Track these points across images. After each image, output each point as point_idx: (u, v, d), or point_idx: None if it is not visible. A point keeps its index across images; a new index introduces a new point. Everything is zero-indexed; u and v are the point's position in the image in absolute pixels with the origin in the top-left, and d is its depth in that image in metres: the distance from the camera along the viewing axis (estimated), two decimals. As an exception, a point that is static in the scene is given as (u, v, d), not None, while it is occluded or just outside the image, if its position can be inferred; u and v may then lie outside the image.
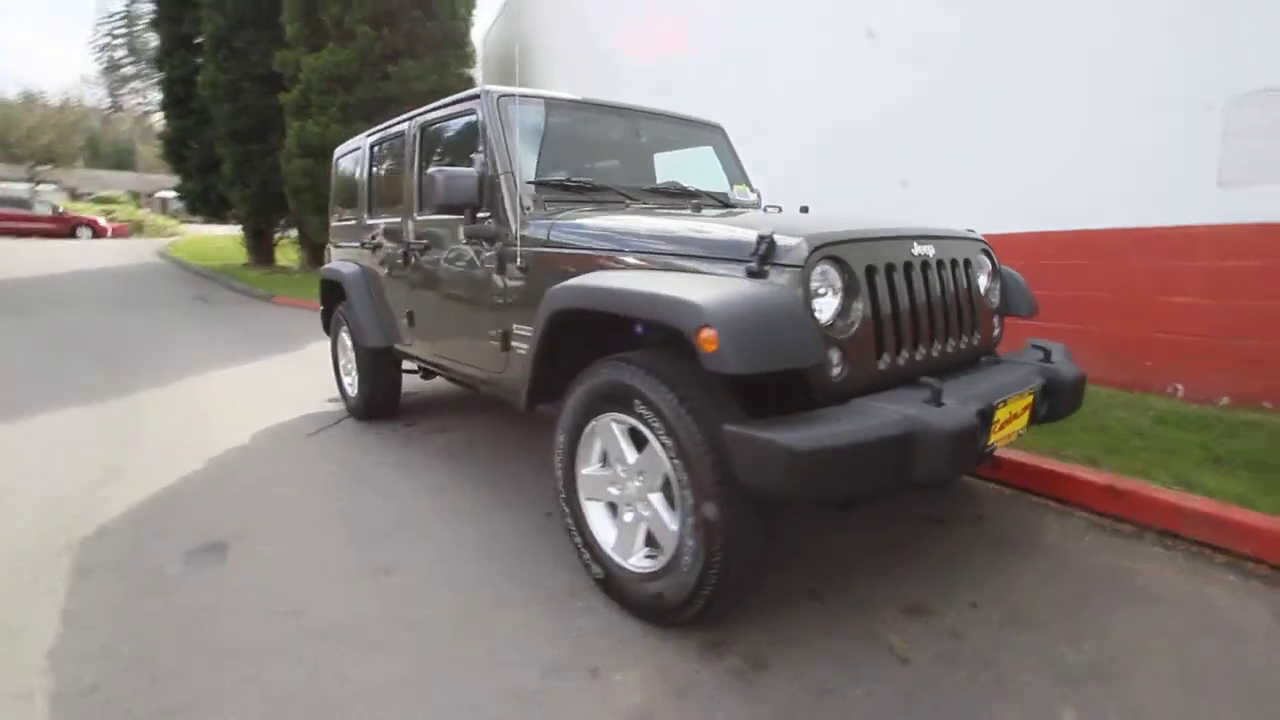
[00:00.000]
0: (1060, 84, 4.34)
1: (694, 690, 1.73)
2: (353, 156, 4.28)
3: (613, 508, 2.16)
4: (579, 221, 2.44)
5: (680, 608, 1.86)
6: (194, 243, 21.59)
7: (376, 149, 3.86)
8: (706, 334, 1.62)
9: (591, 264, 2.29)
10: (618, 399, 1.95)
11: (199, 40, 15.25)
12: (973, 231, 2.55)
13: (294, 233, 15.44)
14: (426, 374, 4.13)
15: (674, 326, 1.71)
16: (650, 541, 2.01)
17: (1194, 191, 3.81)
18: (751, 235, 1.87)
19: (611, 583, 2.08)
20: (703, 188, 3.17)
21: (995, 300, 2.55)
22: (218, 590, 2.24)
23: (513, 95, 2.82)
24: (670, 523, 1.88)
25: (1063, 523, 2.69)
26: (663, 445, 1.82)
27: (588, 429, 2.12)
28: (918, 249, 2.12)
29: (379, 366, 4.07)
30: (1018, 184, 4.56)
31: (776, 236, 1.83)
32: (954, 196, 4.79)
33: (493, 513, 2.85)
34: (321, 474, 3.33)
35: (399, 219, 3.53)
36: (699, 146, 3.62)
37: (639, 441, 1.98)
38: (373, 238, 3.86)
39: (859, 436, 1.58)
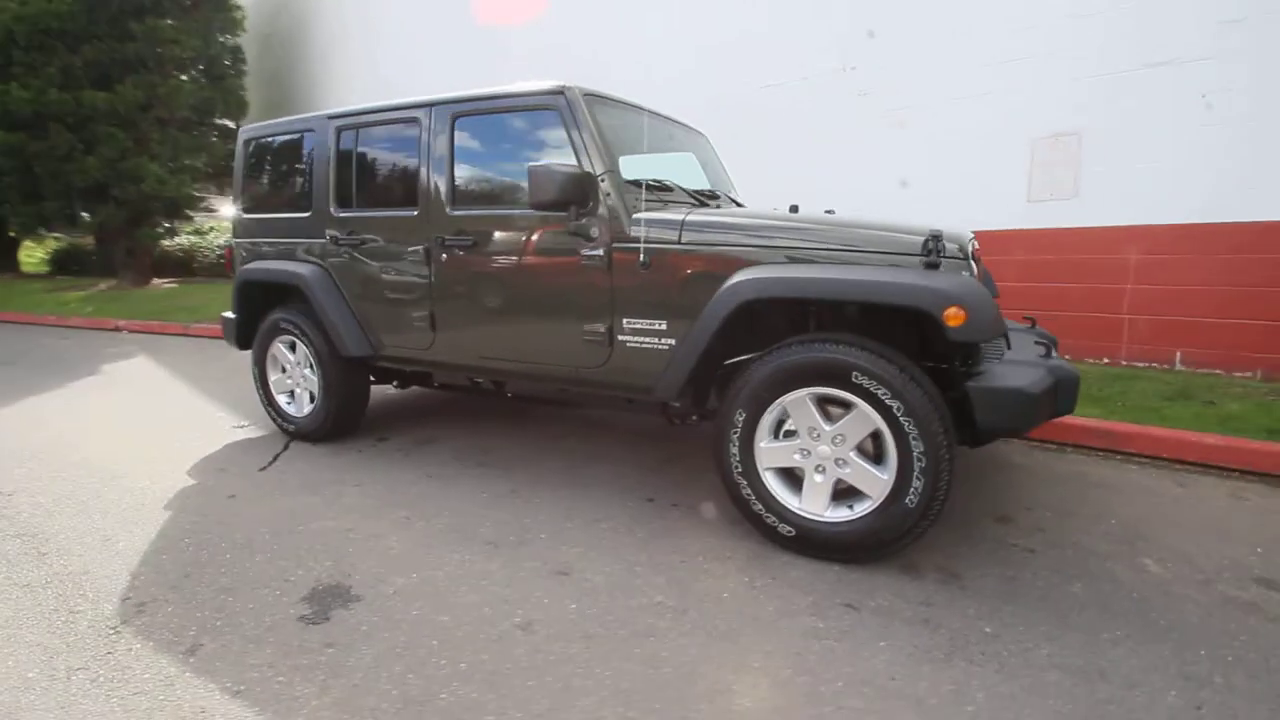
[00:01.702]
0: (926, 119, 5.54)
1: (934, 600, 2.13)
2: (292, 141, 3.73)
3: (786, 473, 2.45)
4: (713, 220, 2.64)
5: (896, 540, 2.24)
6: None
7: (357, 134, 3.45)
8: (953, 311, 2.04)
9: (736, 261, 2.52)
10: (829, 374, 2.26)
11: None
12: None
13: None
14: (403, 383, 3.83)
15: (918, 308, 2.09)
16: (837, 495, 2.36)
17: (1011, 205, 5.22)
18: (919, 235, 2.32)
19: (805, 537, 2.37)
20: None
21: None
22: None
23: (596, 95, 2.87)
24: (880, 473, 2.25)
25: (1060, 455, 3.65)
26: (885, 407, 2.18)
27: (774, 404, 2.38)
28: (976, 242, 2.77)
29: (352, 378, 3.66)
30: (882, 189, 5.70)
31: (944, 236, 2.31)
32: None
33: (610, 508, 2.89)
34: (359, 504, 2.97)
35: (410, 213, 3.25)
36: (687, 150, 3.93)
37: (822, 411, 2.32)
38: (350, 234, 3.45)
39: (1051, 381, 2.14)
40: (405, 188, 3.31)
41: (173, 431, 4.07)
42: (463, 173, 3.13)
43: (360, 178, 3.47)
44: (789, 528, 2.40)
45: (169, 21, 10.27)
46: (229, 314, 4.15)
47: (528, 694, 1.71)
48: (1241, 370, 4.60)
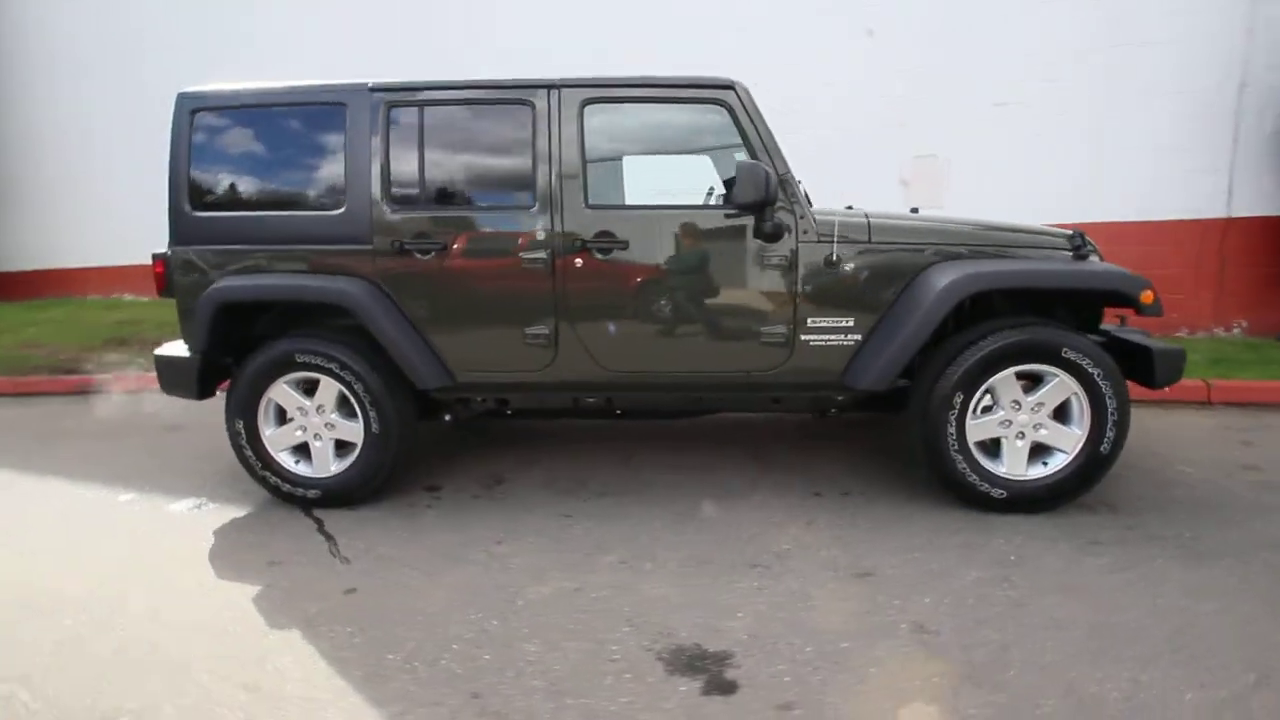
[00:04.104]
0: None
1: (1116, 536, 2.65)
2: (298, 116, 2.84)
3: (984, 445, 2.76)
4: (896, 223, 2.82)
5: (1093, 483, 2.71)
6: None
7: (422, 113, 2.76)
8: (1147, 294, 2.56)
9: (919, 259, 2.75)
10: (1039, 352, 2.61)
11: None
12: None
13: None
14: (462, 416, 3.22)
15: (1124, 292, 2.57)
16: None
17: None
18: (1064, 233, 2.82)
19: (1015, 497, 2.71)
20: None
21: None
22: None
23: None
24: (1076, 428, 2.69)
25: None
26: (1086, 375, 2.61)
27: (986, 384, 2.66)
28: None
29: (410, 417, 2.97)
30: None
31: (1083, 232, 2.84)
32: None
33: (804, 509, 2.89)
34: (545, 560, 2.49)
35: (523, 213, 2.75)
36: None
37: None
38: (420, 238, 2.78)
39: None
40: (510, 183, 2.79)
41: (102, 536, 2.80)
42: (597, 167, 2.78)
43: (430, 169, 2.80)
44: (1001, 491, 2.71)
45: None
46: (174, 351, 2.99)
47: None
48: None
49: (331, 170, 2.84)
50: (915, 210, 3.28)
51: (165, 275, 2.97)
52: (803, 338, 2.79)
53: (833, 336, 2.79)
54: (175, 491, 3.23)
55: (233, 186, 2.92)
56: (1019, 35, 5.72)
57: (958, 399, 2.67)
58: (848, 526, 2.69)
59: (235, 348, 2.97)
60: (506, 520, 2.82)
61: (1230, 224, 5.29)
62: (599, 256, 2.76)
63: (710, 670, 1.83)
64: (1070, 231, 2.84)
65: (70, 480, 3.43)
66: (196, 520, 2.92)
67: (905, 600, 2.16)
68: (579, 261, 2.77)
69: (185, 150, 2.88)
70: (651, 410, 3.22)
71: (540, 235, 2.76)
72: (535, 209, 2.76)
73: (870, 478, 3.17)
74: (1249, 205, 5.25)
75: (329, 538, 2.71)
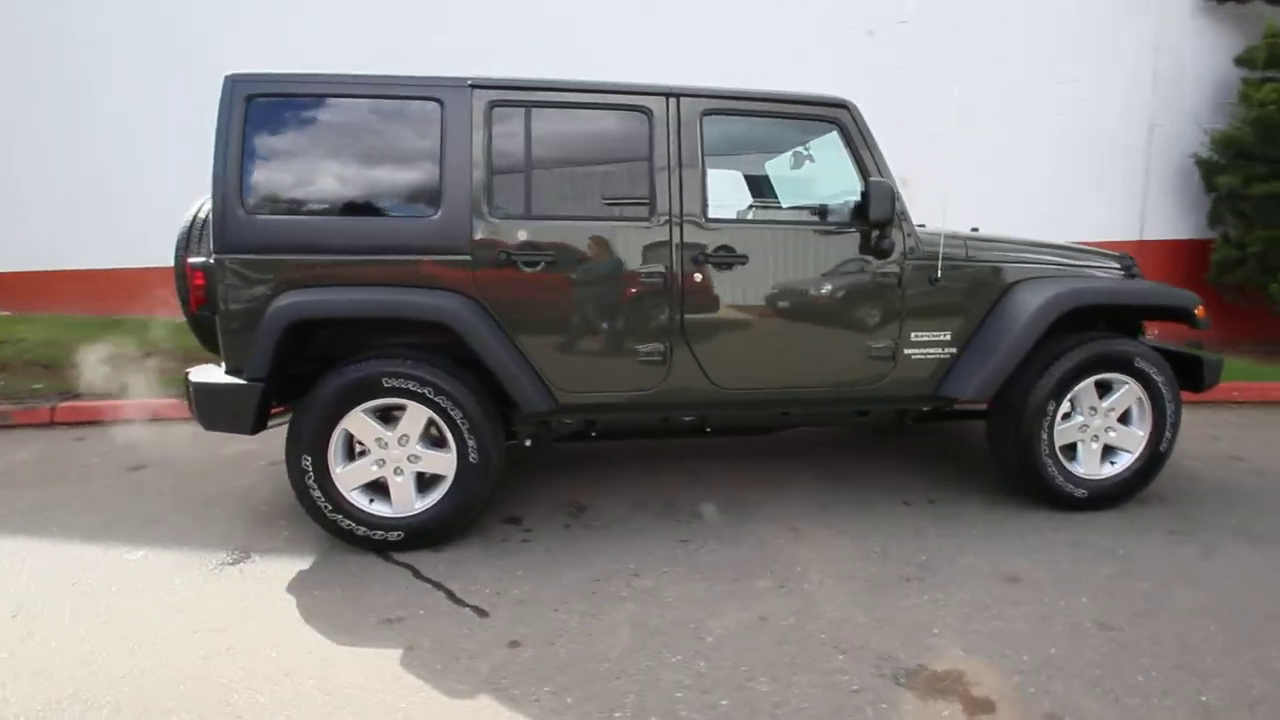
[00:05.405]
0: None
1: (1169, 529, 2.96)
2: (379, 110, 2.52)
3: (1062, 449, 2.97)
4: (987, 240, 3.01)
5: (1151, 480, 3.00)
6: None
7: (528, 115, 2.53)
8: (1200, 309, 2.89)
9: (1007, 277, 2.94)
10: (1115, 362, 2.86)
11: None
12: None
13: None
14: (543, 440, 3.01)
15: (1182, 307, 2.87)
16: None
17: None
18: (1115, 254, 3.13)
19: (1093, 496, 2.94)
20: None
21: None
22: None
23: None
24: (1138, 430, 2.97)
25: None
26: (1152, 382, 2.89)
27: (1072, 391, 2.88)
28: None
29: (501, 444, 2.72)
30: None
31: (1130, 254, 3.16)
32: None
33: (901, 520, 2.97)
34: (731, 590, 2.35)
35: (640, 225, 2.61)
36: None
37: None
38: (526, 248, 2.55)
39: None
40: (624, 192, 2.64)
41: (140, 605, 2.30)
42: (717, 178, 2.70)
43: (537, 175, 2.59)
44: (1083, 491, 2.94)
45: None
46: (216, 378, 2.52)
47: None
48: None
49: (423, 172, 2.54)
50: (975, 229, 3.49)
51: (207, 288, 2.51)
52: (905, 351, 2.87)
53: (932, 350, 2.90)
54: (195, 544, 2.73)
55: (300, 186, 2.52)
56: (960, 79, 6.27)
57: (1050, 407, 2.86)
58: (959, 534, 2.79)
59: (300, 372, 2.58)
60: (625, 550, 2.64)
61: (1143, 245, 6.12)
62: (718, 271, 2.68)
63: (957, 691, 1.82)
64: (1119, 253, 3.16)
65: (53, 538, 2.78)
66: (248, 577, 2.48)
67: (1068, 601, 2.27)
68: (698, 276, 2.67)
69: (238, 143, 2.45)
70: (742, 427, 3.17)
71: (659, 248, 2.64)
72: (653, 221, 2.63)
73: (941, 484, 3.31)
74: (1159, 230, 6.13)
75: (436, 585, 2.39)
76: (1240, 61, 5.74)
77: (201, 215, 2.87)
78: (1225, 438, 4.08)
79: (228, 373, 2.56)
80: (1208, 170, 5.80)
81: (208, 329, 2.85)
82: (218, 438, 3.63)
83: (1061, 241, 3.26)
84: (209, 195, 2.93)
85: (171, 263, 2.87)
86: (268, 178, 2.49)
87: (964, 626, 2.12)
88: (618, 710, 1.75)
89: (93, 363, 4.91)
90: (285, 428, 2.59)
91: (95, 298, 5.95)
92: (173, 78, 5.83)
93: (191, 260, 2.54)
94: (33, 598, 2.33)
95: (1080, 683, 1.85)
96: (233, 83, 2.47)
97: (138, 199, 5.86)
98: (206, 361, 2.99)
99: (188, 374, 2.66)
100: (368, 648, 2.04)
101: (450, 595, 2.33)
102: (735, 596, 2.31)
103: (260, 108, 2.48)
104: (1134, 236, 6.13)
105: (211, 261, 2.49)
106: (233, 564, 2.57)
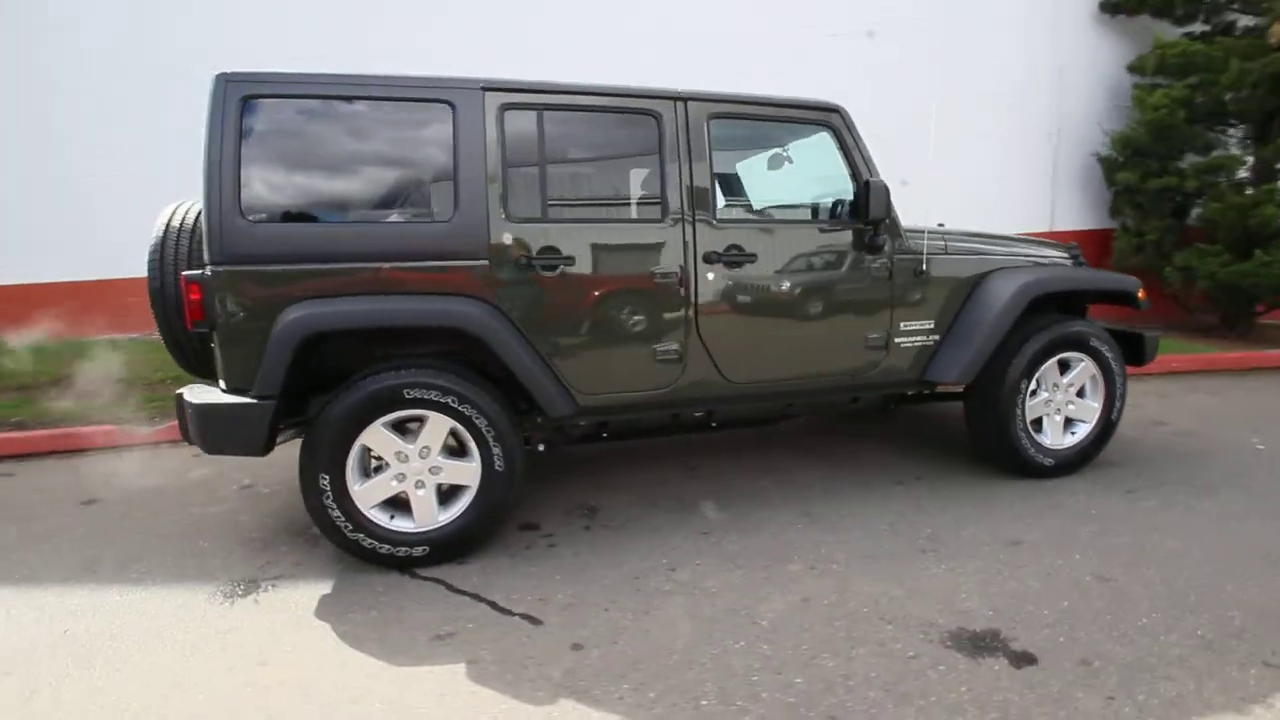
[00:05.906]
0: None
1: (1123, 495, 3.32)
2: (384, 112, 2.43)
3: (1031, 423, 3.26)
4: (961, 235, 3.25)
5: (1097, 451, 3.34)
6: None
7: (540, 118, 2.51)
8: (1142, 292, 3.25)
9: (980, 268, 3.20)
10: (1074, 342, 3.18)
11: None
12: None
13: None
14: (556, 444, 3.01)
15: (1127, 291, 3.21)
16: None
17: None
18: (1064, 245, 3.46)
19: (1059, 464, 3.25)
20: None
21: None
22: None
23: (846, 114, 3.01)
24: (1093, 402, 3.30)
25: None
26: (1104, 360, 3.23)
27: (1038, 372, 3.16)
28: None
29: (522, 450, 2.70)
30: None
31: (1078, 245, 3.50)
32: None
33: (899, 498, 3.15)
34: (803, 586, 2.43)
35: (653, 226, 2.65)
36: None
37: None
38: (545, 253, 2.54)
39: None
40: (636, 195, 2.68)
41: (158, 652, 2.12)
42: (724, 180, 2.78)
43: (552, 179, 2.58)
44: (1050, 460, 3.24)
45: None
46: (218, 398, 2.36)
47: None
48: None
49: (435, 176, 2.48)
50: (941, 225, 3.75)
51: (203, 303, 2.34)
52: (896, 340, 3.07)
53: (919, 338, 3.11)
54: (193, 578, 2.54)
55: (305, 192, 2.40)
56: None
57: (1023, 385, 3.14)
58: (954, 507, 3.00)
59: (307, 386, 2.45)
60: (651, 547, 2.68)
61: (1053, 235, 6.73)
62: (729, 269, 2.77)
63: (1000, 647, 1.99)
64: (1068, 244, 3.49)
65: (26, 586, 2.51)
66: (266, 607, 2.33)
67: (1065, 559, 2.51)
68: (710, 275, 2.75)
69: (233, 146, 2.30)
70: (748, 420, 3.28)
71: (672, 249, 2.69)
72: (666, 222, 2.68)
73: (925, 463, 3.54)
74: (1068, 221, 6.77)
75: (476, 597, 2.35)
76: (1132, 69, 6.44)
77: (176, 224, 2.68)
78: (1145, 406, 4.58)
79: (228, 391, 2.41)
80: (1108, 167, 6.48)
81: (189, 347, 2.66)
82: (162, 465, 3.39)
83: (1016, 234, 3.57)
84: (181, 202, 2.76)
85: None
86: (271, 184, 2.36)
87: (985, 590, 2.31)
88: (703, 699, 1.80)
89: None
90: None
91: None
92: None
93: (186, 274, 2.36)
94: (22, 653, 2.10)
95: (1097, 629, 2.07)
96: (226, 82, 2.31)
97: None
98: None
99: (180, 394, 2.47)
100: (428, 666, 1.98)
101: (494, 606, 2.29)
102: (773, 582, 2.41)
103: (259, 109, 2.34)
104: (1045, 227, 6.75)
105: (209, 274, 2.32)
106: (244, 595, 2.41)
